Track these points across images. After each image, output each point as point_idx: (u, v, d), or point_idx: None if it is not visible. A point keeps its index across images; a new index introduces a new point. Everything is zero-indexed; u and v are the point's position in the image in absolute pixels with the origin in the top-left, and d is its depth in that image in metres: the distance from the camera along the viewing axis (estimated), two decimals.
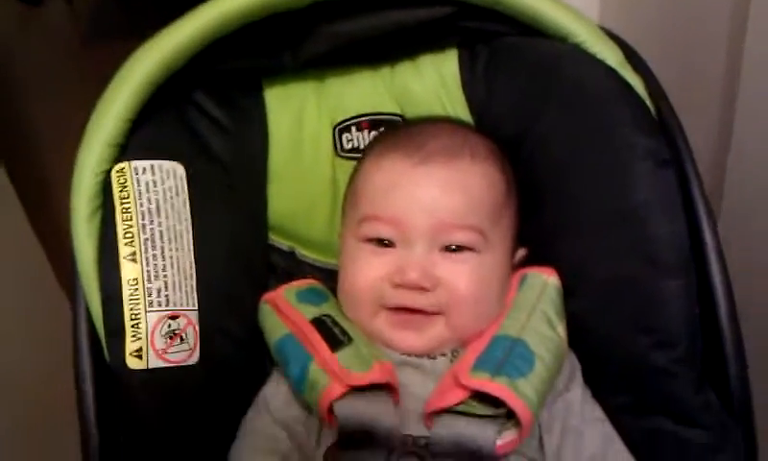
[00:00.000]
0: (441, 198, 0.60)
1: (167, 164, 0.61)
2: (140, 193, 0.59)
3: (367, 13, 0.67)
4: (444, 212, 0.60)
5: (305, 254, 0.72)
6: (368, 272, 0.61)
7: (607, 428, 0.60)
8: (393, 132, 0.70)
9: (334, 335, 0.59)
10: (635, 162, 0.61)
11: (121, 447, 0.58)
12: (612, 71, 0.65)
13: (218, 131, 0.67)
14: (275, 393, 0.61)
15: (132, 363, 0.56)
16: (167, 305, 0.58)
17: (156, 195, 0.59)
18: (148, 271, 0.58)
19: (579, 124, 0.65)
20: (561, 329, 0.61)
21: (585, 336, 0.62)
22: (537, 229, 0.67)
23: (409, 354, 0.60)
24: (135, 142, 0.61)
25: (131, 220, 0.58)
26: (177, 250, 0.59)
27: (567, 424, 0.59)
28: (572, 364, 0.62)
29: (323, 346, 0.58)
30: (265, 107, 0.71)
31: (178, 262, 0.59)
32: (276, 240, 0.71)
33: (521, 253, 0.66)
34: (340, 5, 0.65)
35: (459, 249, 0.60)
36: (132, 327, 0.57)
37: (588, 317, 0.63)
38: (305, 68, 0.71)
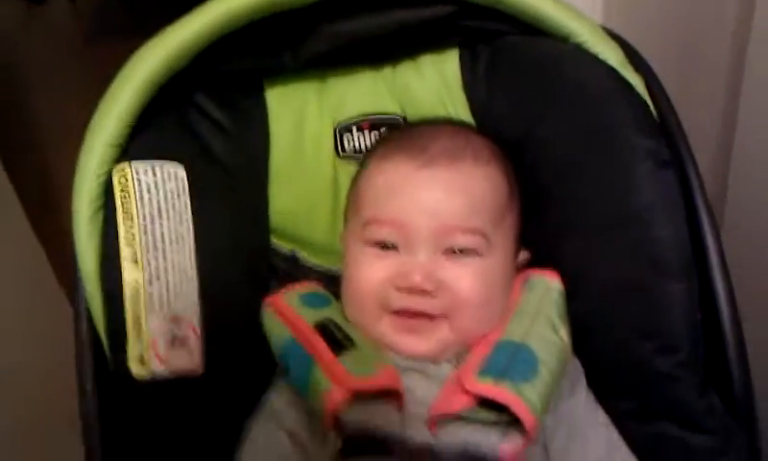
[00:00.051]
0: (444, 201, 0.60)
1: (168, 166, 0.60)
2: (141, 195, 0.59)
3: (367, 13, 0.67)
4: (446, 215, 0.60)
5: (307, 257, 0.71)
6: (371, 275, 0.61)
7: (611, 433, 0.60)
8: (395, 134, 0.69)
9: (337, 339, 0.59)
10: (635, 164, 0.61)
11: (123, 449, 0.58)
12: (613, 71, 0.65)
13: (219, 132, 0.67)
14: (278, 398, 0.60)
15: (135, 368, 0.56)
16: (169, 308, 0.58)
17: (158, 197, 0.59)
18: (149, 275, 0.58)
19: (580, 125, 0.65)
20: (564, 334, 0.61)
21: (587, 340, 0.62)
22: (539, 230, 0.66)
23: (413, 359, 0.60)
24: (137, 144, 0.60)
25: (132, 222, 0.58)
26: (178, 252, 0.59)
27: (572, 430, 0.58)
28: (576, 369, 0.62)
29: (326, 350, 0.58)
30: (266, 107, 0.71)
31: (179, 264, 0.59)
32: (278, 243, 0.71)
33: (524, 255, 0.66)
34: (341, 4, 0.65)
35: (462, 252, 0.60)
36: (135, 330, 0.56)
37: (590, 320, 0.62)
38: (306, 68, 0.71)
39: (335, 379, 0.56)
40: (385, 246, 0.61)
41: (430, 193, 0.61)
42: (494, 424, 0.54)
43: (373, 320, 0.61)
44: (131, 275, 0.57)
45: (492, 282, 0.61)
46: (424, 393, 0.57)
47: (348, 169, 0.71)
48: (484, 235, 0.60)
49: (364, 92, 0.73)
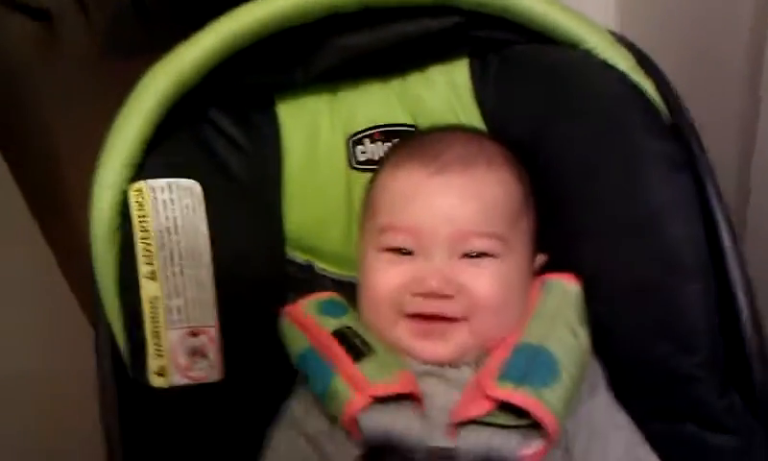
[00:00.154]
0: (458, 206, 0.61)
1: (184, 182, 0.61)
2: (158, 212, 0.59)
3: (376, 26, 0.68)
4: (461, 221, 0.60)
5: (323, 267, 0.72)
6: (387, 281, 0.61)
7: (632, 434, 0.60)
8: (408, 142, 0.70)
9: (355, 346, 0.59)
10: (648, 166, 0.62)
11: (144, 458, 0.59)
12: (623, 76, 0.65)
13: (234, 149, 0.68)
14: (299, 405, 0.61)
15: (156, 381, 0.57)
16: (188, 323, 0.58)
17: (174, 213, 0.60)
18: (168, 288, 0.58)
19: (592, 130, 0.65)
20: (583, 337, 0.61)
21: (607, 341, 0.62)
22: (555, 234, 0.66)
23: (432, 364, 0.60)
24: (152, 161, 0.61)
25: (149, 239, 0.59)
26: (195, 266, 0.60)
27: (592, 431, 0.58)
28: (595, 371, 0.62)
29: (345, 357, 0.58)
30: (278, 122, 0.71)
31: (196, 278, 0.60)
32: (294, 254, 0.71)
33: (541, 259, 0.66)
34: (349, 18, 0.66)
35: (478, 255, 0.60)
36: (155, 345, 0.57)
37: (609, 321, 0.62)
38: (317, 82, 0.71)
39: (355, 386, 0.56)
40: (401, 252, 0.61)
41: (444, 199, 0.61)
42: (515, 428, 0.54)
43: (389, 325, 0.61)
44: (149, 291, 0.58)
45: (510, 284, 0.61)
46: (444, 398, 0.57)
47: (361, 180, 0.72)
48: (500, 238, 0.61)
49: (375, 103, 0.74)
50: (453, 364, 0.60)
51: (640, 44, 0.69)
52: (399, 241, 0.61)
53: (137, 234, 0.59)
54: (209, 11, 0.63)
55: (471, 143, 0.65)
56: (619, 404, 0.61)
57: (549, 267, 0.66)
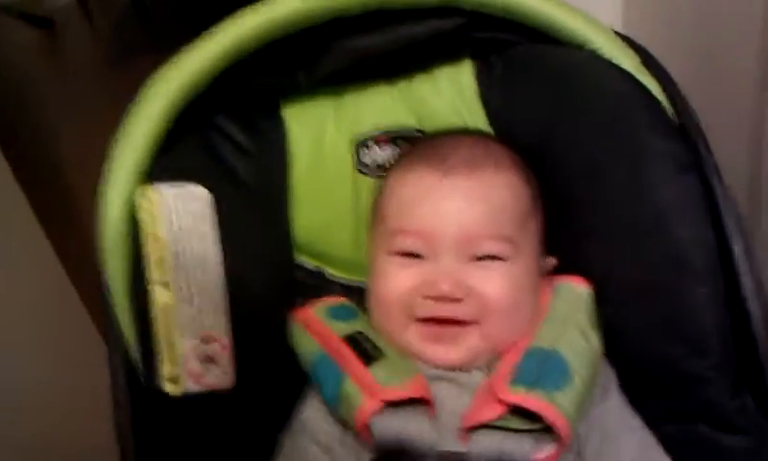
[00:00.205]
0: (465, 210, 0.61)
1: (192, 188, 0.61)
2: (167, 219, 0.59)
3: (379, 29, 0.68)
4: (469, 224, 0.60)
5: (333, 272, 0.72)
6: (397, 284, 0.61)
7: (645, 435, 0.60)
8: (416, 146, 0.70)
9: (367, 351, 0.59)
10: (654, 166, 0.62)
11: None
12: (628, 76, 0.65)
13: (241, 154, 0.68)
14: (311, 411, 0.61)
15: (169, 388, 0.57)
16: (201, 330, 0.58)
17: (184, 220, 0.60)
18: (180, 295, 0.58)
19: (598, 130, 0.65)
20: (595, 340, 0.61)
21: (618, 343, 0.62)
22: (563, 236, 0.66)
23: (444, 368, 0.60)
24: (160, 168, 0.61)
25: (159, 245, 0.59)
26: (205, 272, 0.60)
27: (605, 434, 0.58)
28: (607, 373, 0.62)
29: (356, 362, 0.58)
30: (284, 127, 0.72)
31: (207, 284, 0.60)
32: (304, 260, 0.72)
33: (551, 261, 0.66)
34: (352, 21, 0.66)
35: (488, 258, 0.60)
36: (167, 352, 0.57)
37: (619, 323, 0.63)
38: (322, 86, 0.71)
39: (366, 390, 0.56)
40: (411, 255, 0.61)
41: (452, 203, 0.61)
42: (527, 432, 0.54)
43: (400, 329, 0.61)
44: (161, 297, 0.58)
45: (520, 286, 0.61)
46: (456, 402, 0.57)
47: (367, 183, 0.72)
48: (509, 241, 0.61)
49: (380, 107, 0.74)
50: (464, 368, 0.60)
51: (647, 44, 0.69)
52: (409, 244, 0.61)
53: (148, 242, 0.59)
54: (210, 11, 0.63)
55: (478, 146, 0.65)
56: (632, 407, 0.61)
57: (559, 269, 0.66)
